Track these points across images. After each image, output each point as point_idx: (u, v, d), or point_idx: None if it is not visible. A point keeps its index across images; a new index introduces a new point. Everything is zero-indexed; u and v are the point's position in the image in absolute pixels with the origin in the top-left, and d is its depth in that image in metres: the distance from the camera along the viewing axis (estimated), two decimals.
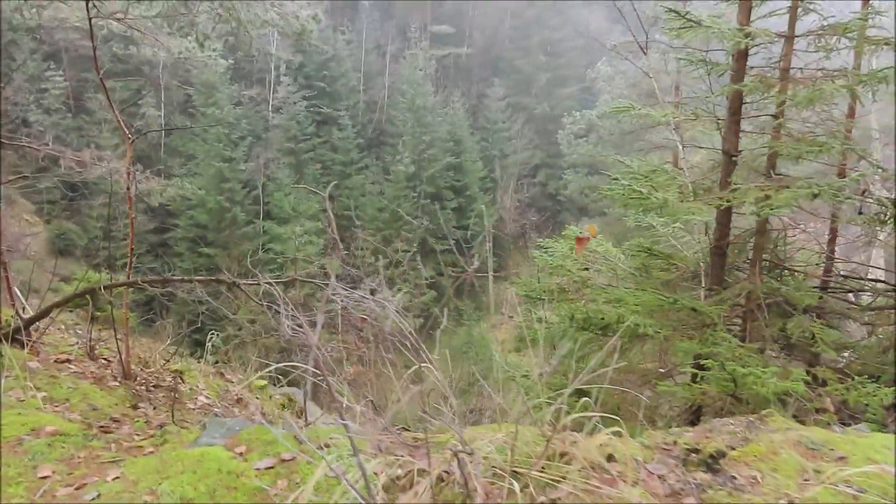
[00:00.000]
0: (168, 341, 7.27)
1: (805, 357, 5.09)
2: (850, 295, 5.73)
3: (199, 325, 7.46)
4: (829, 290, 5.77)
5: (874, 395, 4.12)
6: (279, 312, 2.63)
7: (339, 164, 34.59)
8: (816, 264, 5.92)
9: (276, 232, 29.28)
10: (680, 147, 5.65)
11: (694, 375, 4.28)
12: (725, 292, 5.14)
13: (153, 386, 4.58)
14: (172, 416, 3.76)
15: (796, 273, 5.24)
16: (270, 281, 3.86)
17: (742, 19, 4.78)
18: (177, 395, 4.49)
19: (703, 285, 5.47)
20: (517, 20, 47.67)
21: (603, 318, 4.84)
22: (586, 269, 6.25)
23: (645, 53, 19.33)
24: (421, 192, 34.24)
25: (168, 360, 5.46)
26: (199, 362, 7.23)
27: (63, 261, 26.23)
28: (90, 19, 4.35)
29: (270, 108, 33.72)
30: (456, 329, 33.62)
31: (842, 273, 5.51)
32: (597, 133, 22.18)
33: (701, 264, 5.47)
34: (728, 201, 4.46)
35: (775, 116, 4.89)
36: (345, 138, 34.81)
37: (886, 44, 4.23)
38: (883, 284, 5.41)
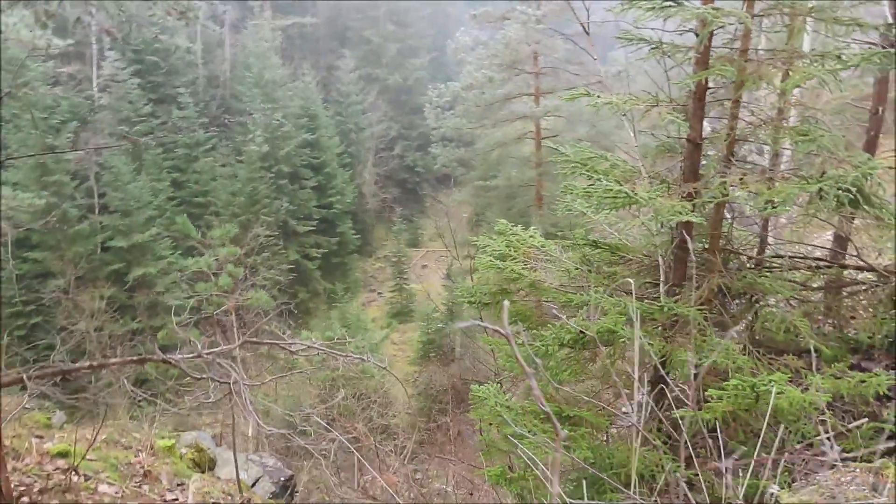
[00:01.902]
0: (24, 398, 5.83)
1: (774, 350, 4.97)
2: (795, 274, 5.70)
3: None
4: (766, 269, 5.74)
5: (865, 385, 4.00)
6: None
7: (184, 147, 31.57)
8: (753, 247, 5.84)
9: (117, 226, 26.16)
10: (633, 135, 5.26)
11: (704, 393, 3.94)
12: (693, 288, 4.86)
13: (40, 492, 3.42)
14: None
15: (764, 261, 5.11)
16: (213, 350, 2.95)
17: None
18: None
19: (664, 280, 5.17)
20: None
21: (584, 335, 4.36)
22: (531, 268, 5.75)
23: (504, 22, 19.13)
24: (277, 171, 32.24)
25: (42, 437, 4.24)
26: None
27: None
28: None
29: (95, 87, 29.80)
30: (328, 311, 32.44)
31: (780, 254, 5.46)
32: (463, 105, 21.85)
33: (660, 257, 5.14)
34: (723, 194, 4.12)
35: (735, 101, 4.62)
36: (187, 117, 31.76)
37: (858, 25, 4.03)
38: (819, 262, 5.45)
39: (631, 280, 5.63)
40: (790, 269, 5.49)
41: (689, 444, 4.32)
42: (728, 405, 3.47)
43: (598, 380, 5.03)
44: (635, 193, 4.06)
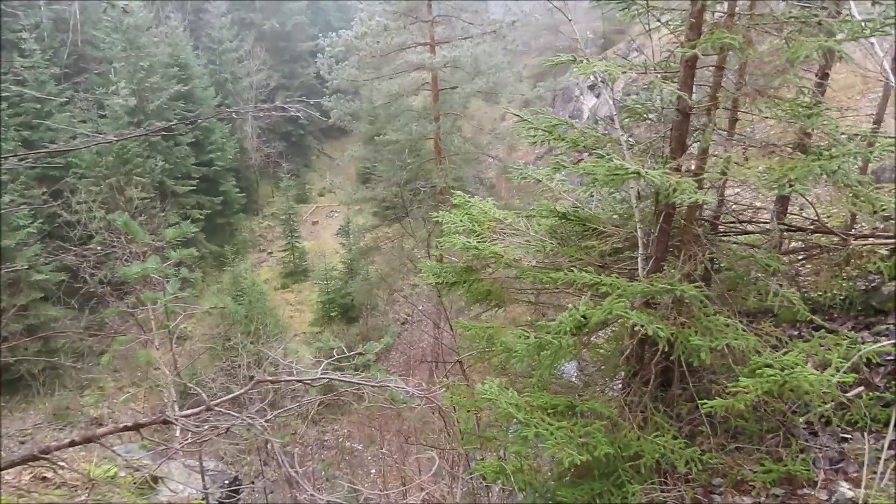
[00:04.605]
0: None
1: (745, 315, 5.01)
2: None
3: None
4: (723, 233, 5.81)
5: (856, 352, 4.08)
6: None
7: (33, 101, 27.85)
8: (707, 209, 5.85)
9: None
10: (611, 103, 4.98)
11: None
12: (676, 263, 4.77)
13: None
14: None
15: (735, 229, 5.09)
16: (222, 399, 2.37)
17: None
18: None
19: (643, 255, 5.04)
20: None
21: (585, 319, 4.12)
22: (502, 245, 5.43)
23: None
24: (148, 127, 29.36)
25: None
26: None
27: None
28: None
29: None
30: (219, 276, 30.60)
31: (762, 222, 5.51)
32: (356, 55, 20.73)
33: (638, 230, 4.99)
34: (723, 173, 3.96)
35: (719, 67, 4.47)
36: (33, 67, 27.93)
37: None
38: (791, 228, 5.55)
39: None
40: (759, 234, 5.53)
41: (715, 429, 4.29)
42: (760, 391, 3.38)
43: (594, 364, 4.87)
44: (646, 172, 3.81)
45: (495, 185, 28.94)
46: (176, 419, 2.71)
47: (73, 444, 2.75)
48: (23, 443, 20.81)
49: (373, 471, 15.93)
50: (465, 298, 6.03)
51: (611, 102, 5.06)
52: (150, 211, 27.52)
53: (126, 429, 2.76)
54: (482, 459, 5.90)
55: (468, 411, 5.35)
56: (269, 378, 2.89)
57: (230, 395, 2.97)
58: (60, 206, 25.50)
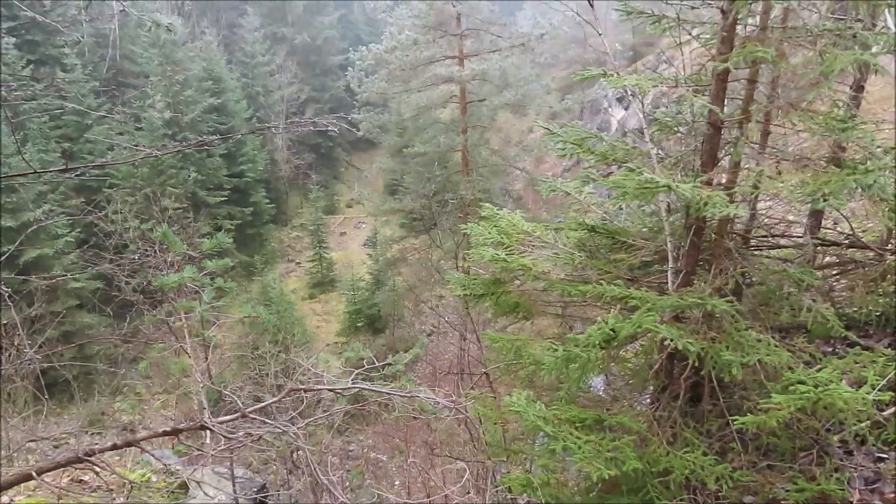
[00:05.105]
0: None
1: (777, 331, 4.93)
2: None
3: None
4: (755, 248, 5.74)
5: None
6: None
7: (73, 115, 28.73)
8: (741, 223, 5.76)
9: (3, 204, 23.59)
10: (641, 116, 4.98)
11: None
12: (707, 277, 4.73)
13: None
14: None
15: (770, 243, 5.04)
16: (255, 407, 2.44)
17: None
18: None
19: (673, 269, 5.00)
20: None
21: (615, 332, 4.11)
22: (532, 259, 5.44)
23: None
24: (182, 139, 30.03)
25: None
26: None
27: None
28: None
29: None
30: (248, 285, 31.01)
31: (794, 237, 5.44)
32: (386, 68, 20.98)
33: (668, 244, 4.96)
34: (755, 186, 3.92)
35: (751, 81, 4.45)
36: (75, 81, 28.81)
37: (888, 5, 3.89)
38: (824, 243, 5.47)
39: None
40: (792, 249, 5.46)
41: (746, 446, 4.23)
42: (794, 408, 3.33)
43: (622, 378, 4.85)
44: (677, 185, 3.80)
45: (522, 196, 28.93)
46: (213, 425, 2.77)
47: (115, 447, 2.84)
48: (56, 447, 21.30)
49: (397, 482, 15.93)
50: (492, 310, 6.04)
51: (640, 115, 5.06)
52: (183, 221, 28.12)
53: (165, 433, 2.85)
54: (507, 472, 5.89)
55: (495, 423, 5.35)
56: (303, 386, 2.95)
57: (265, 403, 3.03)
58: (97, 216, 26.20)
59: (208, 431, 2.83)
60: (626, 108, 32.55)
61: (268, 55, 38.37)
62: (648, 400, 5.16)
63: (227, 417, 2.89)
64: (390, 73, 20.86)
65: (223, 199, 31.71)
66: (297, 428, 2.88)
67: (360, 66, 21.01)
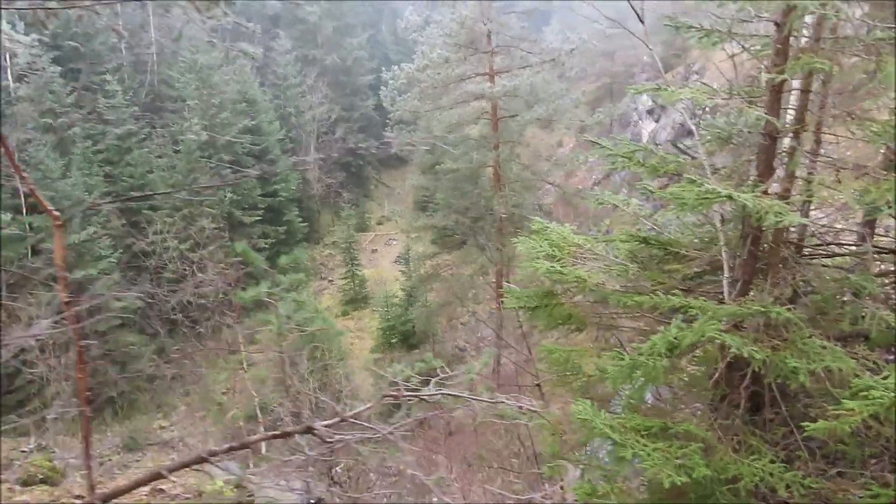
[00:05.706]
0: None
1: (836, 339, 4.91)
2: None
3: None
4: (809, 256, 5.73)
5: None
6: None
7: (114, 139, 29.64)
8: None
9: (49, 226, 24.36)
10: (693, 127, 5.06)
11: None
12: (764, 286, 4.75)
13: None
14: None
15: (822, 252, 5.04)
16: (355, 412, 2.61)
17: None
18: None
19: (729, 278, 5.03)
20: None
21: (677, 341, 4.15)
22: (587, 271, 5.51)
23: None
24: (218, 160, 30.79)
25: None
26: None
27: None
28: None
29: (10, 77, 27.44)
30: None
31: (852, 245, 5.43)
32: (418, 87, 21.29)
33: (723, 253, 5.00)
34: (813, 195, 3.96)
35: (805, 91, 4.49)
36: (115, 107, 29.77)
37: None
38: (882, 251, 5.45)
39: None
40: (850, 256, 5.46)
41: (813, 454, 4.24)
42: (867, 413, 3.35)
43: (678, 388, 4.89)
44: (738, 196, 3.87)
45: (552, 210, 28.94)
46: (318, 428, 2.91)
47: (231, 449, 3.00)
48: (102, 464, 21.70)
49: (434, 500, 15.93)
50: (544, 322, 6.11)
51: (693, 127, 5.13)
52: (219, 240, 28.75)
53: (274, 436, 2.99)
54: (561, 480, 5.92)
55: (553, 434, 5.41)
56: (394, 392, 3.07)
57: (361, 408, 3.16)
58: (139, 237, 26.89)
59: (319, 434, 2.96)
60: (656, 121, 32.45)
61: (299, 77, 39.18)
62: (705, 409, 5.17)
63: (330, 421, 3.02)
64: (422, 91, 21.16)
65: (258, 218, 32.30)
66: (389, 432, 3.00)
67: (393, 84, 21.37)
